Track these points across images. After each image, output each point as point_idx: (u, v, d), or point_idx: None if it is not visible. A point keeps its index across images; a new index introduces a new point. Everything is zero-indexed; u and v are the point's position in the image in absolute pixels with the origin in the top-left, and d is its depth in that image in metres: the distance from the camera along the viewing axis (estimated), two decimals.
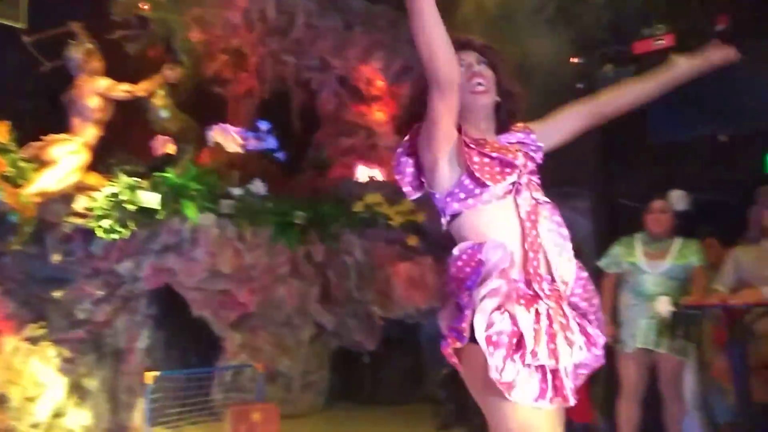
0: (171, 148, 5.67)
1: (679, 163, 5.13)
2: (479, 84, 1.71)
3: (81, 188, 4.81)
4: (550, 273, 1.60)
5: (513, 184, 1.61)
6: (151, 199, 4.98)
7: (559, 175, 5.67)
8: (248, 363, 5.15)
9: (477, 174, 1.57)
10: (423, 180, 1.72)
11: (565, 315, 1.57)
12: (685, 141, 5.19)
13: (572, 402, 1.52)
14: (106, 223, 4.65)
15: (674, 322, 3.49)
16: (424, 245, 6.16)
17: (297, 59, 7.19)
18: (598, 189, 5.53)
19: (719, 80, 5.10)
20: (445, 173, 1.64)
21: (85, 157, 4.95)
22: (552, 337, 1.50)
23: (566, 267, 1.64)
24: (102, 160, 5.21)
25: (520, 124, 1.83)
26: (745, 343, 3.09)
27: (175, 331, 5.62)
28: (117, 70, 5.41)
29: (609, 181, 5.50)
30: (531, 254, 1.57)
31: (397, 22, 7.15)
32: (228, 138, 6.36)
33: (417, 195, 1.76)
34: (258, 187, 5.81)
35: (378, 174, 6.75)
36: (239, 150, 6.37)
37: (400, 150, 1.74)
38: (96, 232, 4.62)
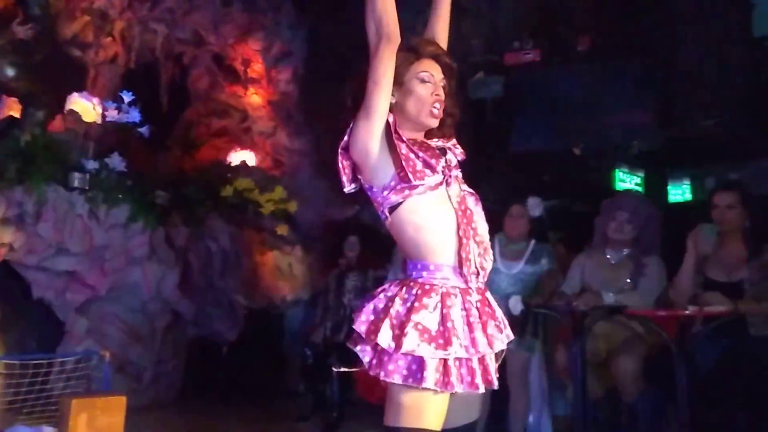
0: (17, 111, 5.11)
1: (537, 171, 5.51)
2: (437, 109, 1.77)
3: None
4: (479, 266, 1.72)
5: (443, 175, 1.72)
6: None
7: None
8: (94, 350, 4.78)
9: (405, 167, 1.66)
10: (359, 176, 1.80)
11: (489, 305, 1.74)
12: (545, 152, 5.59)
13: (481, 389, 1.63)
14: None
15: (524, 321, 3.73)
16: (293, 235, 6.09)
17: (168, 30, 6.79)
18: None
19: (577, 98, 5.55)
20: (379, 165, 1.71)
21: None
22: (471, 328, 1.63)
23: (488, 254, 1.77)
24: None
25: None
26: (584, 343, 3.37)
27: (12, 312, 5.09)
28: None
29: (474, 185, 5.77)
30: (464, 241, 1.68)
31: (278, 4, 6.98)
32: (85, 106, 5.85)
33: (353, 187, 1.84)
34: (116, 161, 5.41)
35: (251, 159, 6.56)
36: (97, 120, 5.88)
37: (341, 144, 1.80)
38: None
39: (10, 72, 5.08)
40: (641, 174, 5.64)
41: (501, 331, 1.72)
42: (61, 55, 6.00)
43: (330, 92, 6.60)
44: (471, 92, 5.88)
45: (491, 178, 5.70)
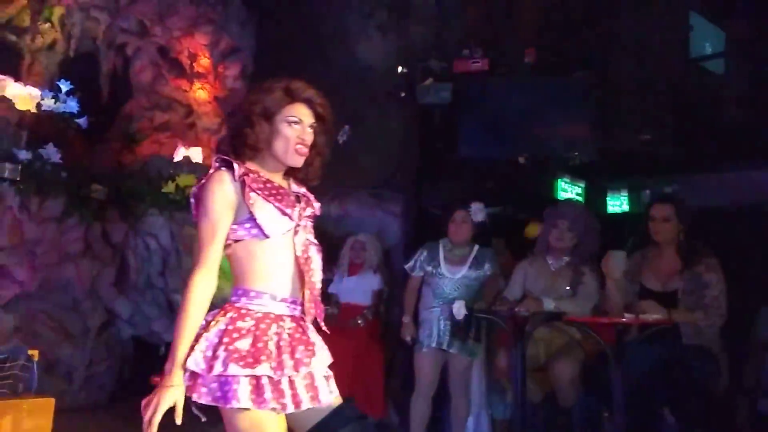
0: None
1: (483, 179, 5.60)
2: (302, 148, 1.88)
3: None
4: (302, 301, 1.86)
5: (294, 224, 1.84)
6: None
7: (376, 178, 5.92)
8: (22, 348, 4.55)
9: (260, 223, 1.78)
10: None
11: (304, 332, 1.86)
12: (490, 160, 5.68)
13: (289, 409, 1.73)
14: None
15: (467, 325, 3.78)
16: None
17: (111, 18, 6.55)
18: (410, 195, 5.82)
19: (522, 108, 5.68)
20: (237, 207, 1.82)
21: None
22: (279, 351, 1.75)
23: (317, 303, 1.90)
24: None
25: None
26: (524, 347, 3.44)
27: None
28: None
29: (421, 189, 5.82)
30: (291, 285, 1.84)
31: None
32: (19, 93, 5.57)
33: None
34: (51, 152, 5.18)
35: (196, 155, 6.39)
36: (32, 109, 5.61)
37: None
38: None
39: None
40: (582, 184, 5.82)
41: (312, 356, 1.82)
42: None
43: None
44: (419, 97, 5.92)
45: (437, 183, 5.77)
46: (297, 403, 1.73)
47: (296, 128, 1.87)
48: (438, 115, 5.87)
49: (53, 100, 5.89)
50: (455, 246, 4.00)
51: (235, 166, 1.80)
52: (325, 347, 1.92)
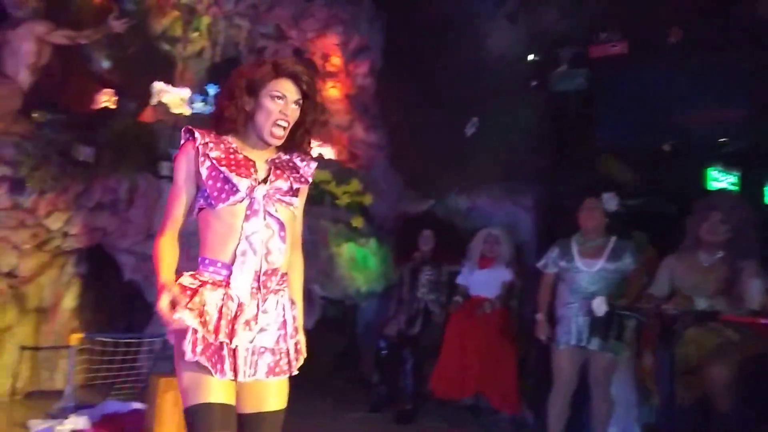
0: (112, 102, 5.37)
1: (623, 169, 5.30)
2: (282, 127, 1.88)
3: (11, 134, 4.49)
4: (258, 274, 1.84)
5: (247, 195, 1.83)
6: (87, 153, 4.71)
7: (506, 170, 5.80)
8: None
9: (207, 192, 1.83)
10: None
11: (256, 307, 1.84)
12: (631, 148, 5.37)
13: (227, 375, 1.78)
14: (37, 173, 4.36)
15: (608, 322, 3.60)
16: (368, 227, 6.13)
17: (252, 25, 6.96)
18: (543, 188, 5.65)
19: (667, 93, 5.30)
20: (199, 177, 1.87)
21: (16, 101, 4.62)
22: (220, 316, 1.79)
23: (274, 276, 1.88)
24: (38, 108, 4.87)
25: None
26: (673, 348, 3.22)
27: (105, 293, 5.37)
28: (59, 14, 5.07)
29: (554, 182, 5.63)
30: (240, 258, 1.82)
31: None
32: (174, 98, 6.09)
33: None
34: None
35: (328, 152, 6.64)
36: (184, 112, 6.10)
37: None
38: (25, 181, 4.33)
39: (106, 64, 5.34)
40: (737, 174, 5.33)
41: (250, 329, 1.83)
42: (151, 49, 6.25)
43: (405, 85, 6.59)
44: (553, 85, 5.73)
45: (572, 175, 5.55)
46: (234, 372, 1.78)
47: (279, 103, 1.86)
48: (573, 103, 5.64)
49: (202, 103, 6.37)
50: (588, 238, 3.80)
51: (197, 135, 1.85)
52: (273, 327, 1.88)
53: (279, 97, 1.86)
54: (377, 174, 6.77)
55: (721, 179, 5.11)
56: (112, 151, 5.00)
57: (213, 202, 1.82)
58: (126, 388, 4.64)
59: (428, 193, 6.31)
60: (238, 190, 1.81)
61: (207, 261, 1.85)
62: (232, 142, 1.90)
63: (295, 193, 1.91)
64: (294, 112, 1.88)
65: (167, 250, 1.87)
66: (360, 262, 5.97)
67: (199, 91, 6.58)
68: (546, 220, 5.49)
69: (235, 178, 1.81)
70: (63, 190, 4.53)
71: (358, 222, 6.06)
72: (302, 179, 1.96)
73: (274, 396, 1.90)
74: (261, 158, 1.91)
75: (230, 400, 1.81)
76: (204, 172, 1.83)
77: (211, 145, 1.85)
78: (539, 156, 5.80)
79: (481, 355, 4.72)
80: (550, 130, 5.84)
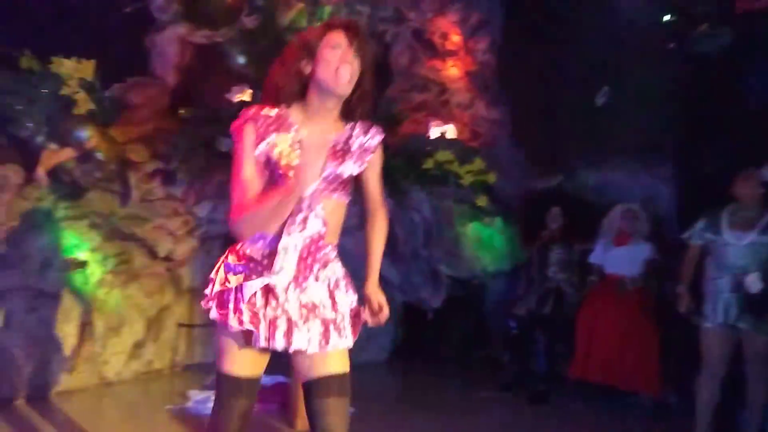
0: (248, 96, 5.70)
1: None
2: (346, 71, 1.80)
3: (162, 130, 4.92)
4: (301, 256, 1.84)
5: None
6: (228, 145, 5.05)
7: (642, 141, 5.47)
8: None
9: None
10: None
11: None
12: None
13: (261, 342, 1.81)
14: (185, 166, 4.76)
15: (763, 300, 3.33)
16: (493, 206, 6.06)
17: (372, 9, 7.06)
18: (683, 158, 5.28)
19: None
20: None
21: (165, 100, 5.05)
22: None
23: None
24: (182, 104, 5.29)
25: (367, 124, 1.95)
26: None
27: None
28: (197, 15, 5.44)
29: (696, 149, 5.24)
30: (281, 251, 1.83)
31: None
32: None
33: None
34: None
35: (450, 131, 6.63)
36: None
37: None
38: (177, 173, 4.74)
39: (241, 60, 5.67)
40: None
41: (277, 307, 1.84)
42: (280, 42, 6.54)
43: (528, 58, 6.38)
44: (692, 47, 5.30)
45: (716, 143, 5.13)
46: (267, 340, 1.79)
47: (336, 51, 1.80)
48: (715, 64, 5.19)
49: None
50: (742, 208, 3.51)
51: (255, 116, 1.84)
52: (320, 299, 1.88)
53: (334, 46, 1.81)
54: (501, 151, 6.66)
55: None
56: None
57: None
58: (271, 361, 4.97)
59: (556, 168, 6.11)
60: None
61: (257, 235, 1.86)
62: (293, 122, 1.85)
63: (345, 184, 1.89)
64: (354, 62, 1.81)
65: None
66: (486, 242, 5.93)
67: None
68: (687, 192, 5.13)
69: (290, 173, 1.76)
70: (208, 180, 4.90)
71: (482, 201, 6.01)
72: (366, 152, 1.91)
73: (333, 361, 1.89)
74: (321, 138, 1.87)
75: (257, 372, 1.93)
76: (261, 158, 1.82)
77: (271, 129, 1.83)
78: (678, 124, 5.42)
79: (619, 336, 4.54)
80: (690, 96, 5.42)
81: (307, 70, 1.83)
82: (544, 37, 6.31)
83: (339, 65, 1.79)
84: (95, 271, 4.52)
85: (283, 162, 1.77)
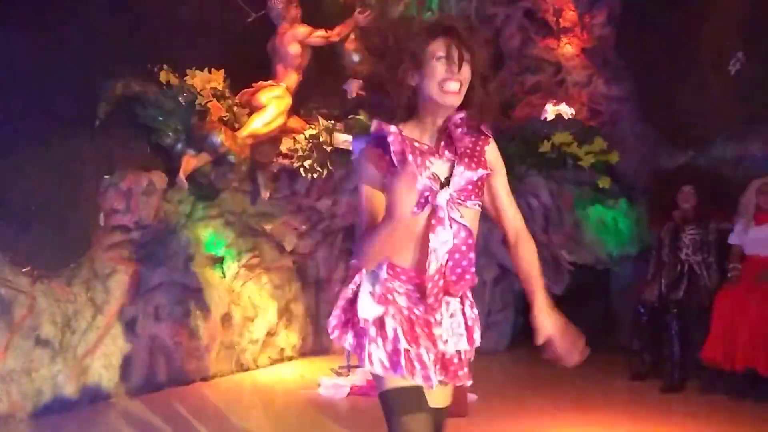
0: (363, 91, 5.87)
1: None
2: (453, 85, 1.64)
3: (286, 131, 5.20)
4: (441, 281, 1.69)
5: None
6: (346, 140, 5.24)
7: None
8: None
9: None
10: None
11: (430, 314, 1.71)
12: None
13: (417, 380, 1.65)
14: (307, 163, 5.00)
15: None
16: (617, 187, 5.81)
17: None
18: None
19: None
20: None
21: (288, 101, 5.31)
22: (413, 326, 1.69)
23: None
24: (302, 104, 5.55)
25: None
26: None
27: None
28: (313, 17, 5.67)
29: None
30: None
31: None
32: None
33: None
34: None
35: (567, 111, 6.41)
36: None
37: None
38: (299, 171, 5.00)
39: (356, 58, 5.83)
40: None
41: (430, 337, 1.72)
42: (393, 38, 6.65)
43: (650, 29, 6.01)
44: None
45: None
46: (425, 378, 1.64)
47: (442, 61, 1.63)
48: None
49: None
50: None
51: (384, 133, 1.65)
52: (463, 331, 1.76)
53: (440, 56, 1.65)
54: (624, 129, 6.35)
55: None
56: (366, 136, 5.48)
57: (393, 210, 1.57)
58: None
59: (686, 144, 5.73)
60: (420, 200, 1.62)
61: (394, 261, 1.70)
62: (408, 130, 1.71)
63: (479, 188, 1.72)
64: (464, 71, 1.65)
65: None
66: (610, 225, 5.70)
67: None
68: None
69: (419, 183, 1.59)
70: (328, 176, 5.12)
71: (604, 182, 5.78)
72: (483, 165, 1.72)
73: (444, 394, 1.80)
74: (436, 146, 1.72)
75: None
76: (386, 176, 1.65)
77: (393, 147, 1.66)
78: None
79: (762, 325, 4.22)
80: None
81: (414, 82, 1.68)
82: (668, 3, 5.91)
83: (444, 79, 1.64)
84: (231, 266, 4.89)
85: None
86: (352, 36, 5.85)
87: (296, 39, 5.40)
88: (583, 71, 6.89)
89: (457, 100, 1.67)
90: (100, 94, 4.36)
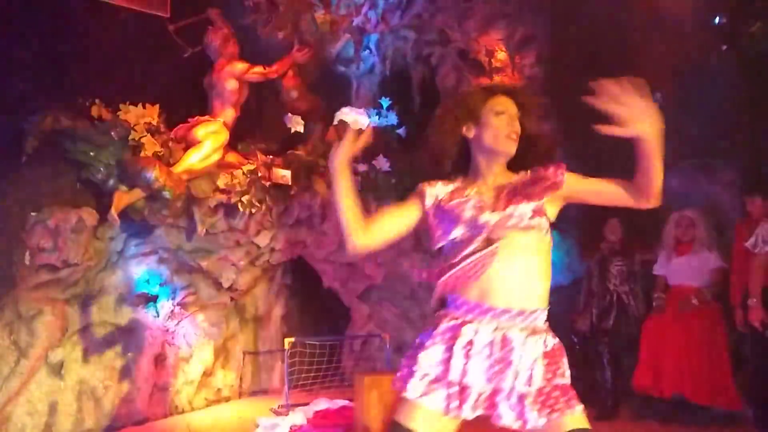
0: (300, 127, 5.90)
1: None
2: (513, 135, 1.82)
3: (222, 166, 5.15)
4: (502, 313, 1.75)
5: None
6: (285, 176, 5.24)
7: (700, 147, 5.34)
8: (376, 333, 5.33)
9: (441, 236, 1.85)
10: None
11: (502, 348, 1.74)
12: None
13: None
14: (245, 198, 4.96)
15: None
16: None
17: (417, 34, 7.18)
18: (745, 163, 5.11)
19: None
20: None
21: (225, 136, 5.28)
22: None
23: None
24: (240, 140, 5.52)
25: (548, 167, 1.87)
26: None
27: (308, 300, 5.92)
28: (250, 53, 5.69)
29: (758, 152, 5.06)
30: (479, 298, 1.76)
31: None
32: (353, 116, 6.51)
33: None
34: (381, 162, 5.93)
35: None
36: (364, 128, 6.49)
37: None
38: (237, 206, 4.94)
39: (294, 94, 5.88)
40: None
41: (499, 373, 1.74)
42: (329, 73, 6.75)
43: (577, 72, 6.32)
44: (747, 47, 5.15)
45: None
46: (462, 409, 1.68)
47: (503, 117, 1.82)
48: None
49: (377, 116, 6.74)
50: None
51: (428, 194, 1.91)
52: (541, 367, 1.74)
53: (500, 111, 1.84)
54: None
55: None
56: (305, 171, 5.50)
57: (449, 248, 1.82)
58: (332, 385, 5.08)
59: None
60: (473, 232, 1.76)
61: (460, 301, 1.78)
62: (463, 182, 1.89)
63: (537, 213, 1.77)
64: (517, 126, 1.84)
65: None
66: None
67: (373, 105, 6.97)
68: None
69: (465, 214, 1.78)
70: (267, 211, 5.09)
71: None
72: (547, 186, 1.81)
73: None
74: (491, 190, 1.84)
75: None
76: (434, 221, 1.88)
77: (441, 203, 1.86)
78: (738, 128, 5.26)
79: (687, 351, 4.42)
80: (748, 98, 5.25)
81: (471, 134, 1.87)
82: (591, 45, 6.25)
83: (508, 133, 1.82)
84: (165, 304, 4.75)
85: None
86: (291, 73, 5.90)
87: (233, 75, 5.40)
88: None
89: (513, 149, 1.84)
90: (27, 128, 4.22)
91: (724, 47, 5.33)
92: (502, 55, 7.31)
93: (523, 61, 7.21)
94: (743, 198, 4.54)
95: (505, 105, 1.84)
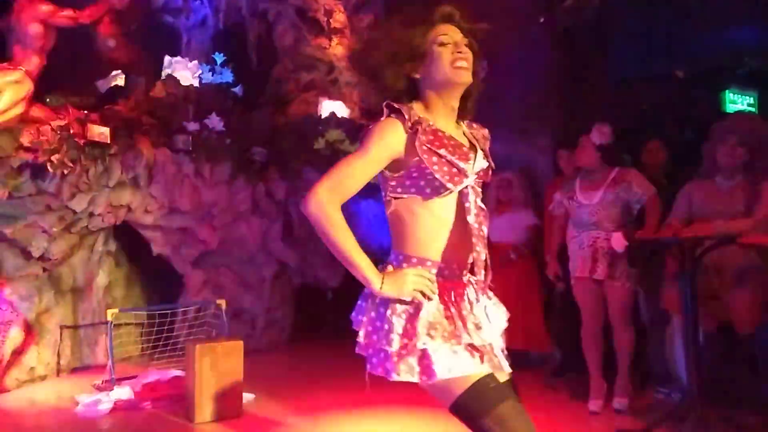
0: (120, 80, 5.41)
1: (637, 101, 5.20)
2: (463, 61, 1.67)
3: (27, 121, 4.58)
4: (471, 264, 1.69)
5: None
6: (102, 133, 4.79)
7: (519, 112, 5.73)
8: (211, 300, 5.14)
9: (437, 176, 1.60)
10: None
11: (478, 299, 1.70)
12: (645, 78, 5.24)
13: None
14: (55, 157, 4.46)
15: (630, 256, 3.61)
16: None
17: None
18: (559, 127, 5.57)
19: (677, 16, 5.13)
20: (400, 159, 1.64)
21: (28, 87, 4.69)
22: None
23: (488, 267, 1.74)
24: (49, 93, 4.94)
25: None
26: (694, 275, 3.22)
27: (135, 268, 5.53)
28: None
29: (570, 119, 5.54)
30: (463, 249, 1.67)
31: None
32: (182, 71, 6.11)
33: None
34: (215, 122, 5.65)
35: (340, 110, 6.62)
36: (194, 83, 6.13)
37: None
38: (47, 167, 4.43)
39: (111, 43, 5.36)
40: (754, 94, 5.18)
41: (479, 329, 1.66)
42: (155, 23, 6.25)
43: None
44: (561, 20, 5.57)
45: (587, 111, 5.45)
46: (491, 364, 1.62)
47: (448, 47, 1.67)
48: (582, 37, 5.49)
49: (210, 73, 6.39)
50: (588, 172, 3.82)
51: (406, 112, 1.62)
52: (499, 317, 1.78)
53: (445, 42, 1.68)
54: None
55: (738, 101, 4.98)
56: (127, 129, 5.07)
57: (437, 190, 1.61)
58: (164, 357, 4.83)
59: None
60: (465, 176, 1.63)
61: (415, 260, 1.63)
62: (425, 116, 1.67)
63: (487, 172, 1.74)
64: (468, 54, 1.68)
65: (345, 226, 1.60)
66: (381, 216, 6.01)
67: (207, 60, 6.59)
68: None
69: (460, 163, 1.62)
70: (83, 172, 4.63)
71: (376, 179, 6.07)
72: (488, 163, 1.77)
73: None
74: (454, 132, 1.71)
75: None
76: (424, 156, 1.59)
77: (422, 123, 1.63)
78: (554, 95, 5.70)
79: (505, 302, 4.78)
80: (564, 68, 5.70)
81: (416, 73, 1.70)
82: (427, 11, 6.40)
83: (455, 60, 1.65)
84: None
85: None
86: (107, 19, 5.36)
87: (37, 18, 4.79)
88: (354, 71, 7.17)
89: (468, 76, 1.68)
90: None
91: (542, 19, 5.72)
92: (340, 16, 7.26)
93: (361, 24, 7.23)
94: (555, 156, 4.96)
95: (449, 32, 1.69)
